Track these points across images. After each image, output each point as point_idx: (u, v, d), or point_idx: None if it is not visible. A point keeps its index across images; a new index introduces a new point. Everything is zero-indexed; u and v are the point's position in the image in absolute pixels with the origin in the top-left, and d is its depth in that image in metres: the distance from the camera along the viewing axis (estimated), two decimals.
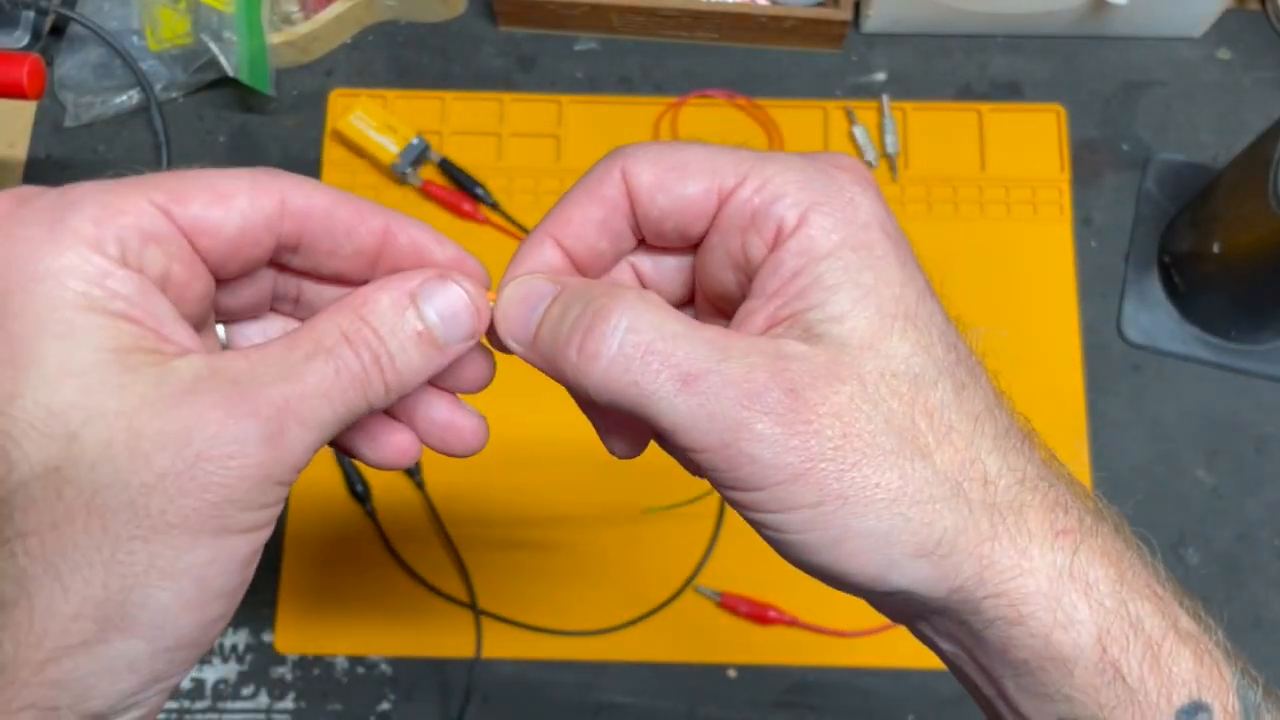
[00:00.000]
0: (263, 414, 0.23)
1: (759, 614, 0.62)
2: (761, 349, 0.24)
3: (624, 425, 0.30)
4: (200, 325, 0.26)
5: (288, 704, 0.62)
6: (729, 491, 0.25)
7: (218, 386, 0.23)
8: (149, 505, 0.22)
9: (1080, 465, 0.65)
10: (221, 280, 0.27)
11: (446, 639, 0.62)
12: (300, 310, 0.30)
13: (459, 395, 0.31)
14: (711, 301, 0.29)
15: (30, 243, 0.23)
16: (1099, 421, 0.66)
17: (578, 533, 0.64)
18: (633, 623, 0.62)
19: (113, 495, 0.22)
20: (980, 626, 0.25)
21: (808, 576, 0.28)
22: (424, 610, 0.63)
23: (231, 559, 0.24)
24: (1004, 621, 0.25)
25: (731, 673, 0.62)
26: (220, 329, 0.29)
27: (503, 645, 0.62)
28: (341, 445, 0.29)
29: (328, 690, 0.62)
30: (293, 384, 0.24)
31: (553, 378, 0.27)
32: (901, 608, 0.27)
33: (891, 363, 0.25)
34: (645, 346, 0.24)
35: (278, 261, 0.27)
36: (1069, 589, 0.25)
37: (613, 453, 0.30)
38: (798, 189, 0.25)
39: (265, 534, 0.25)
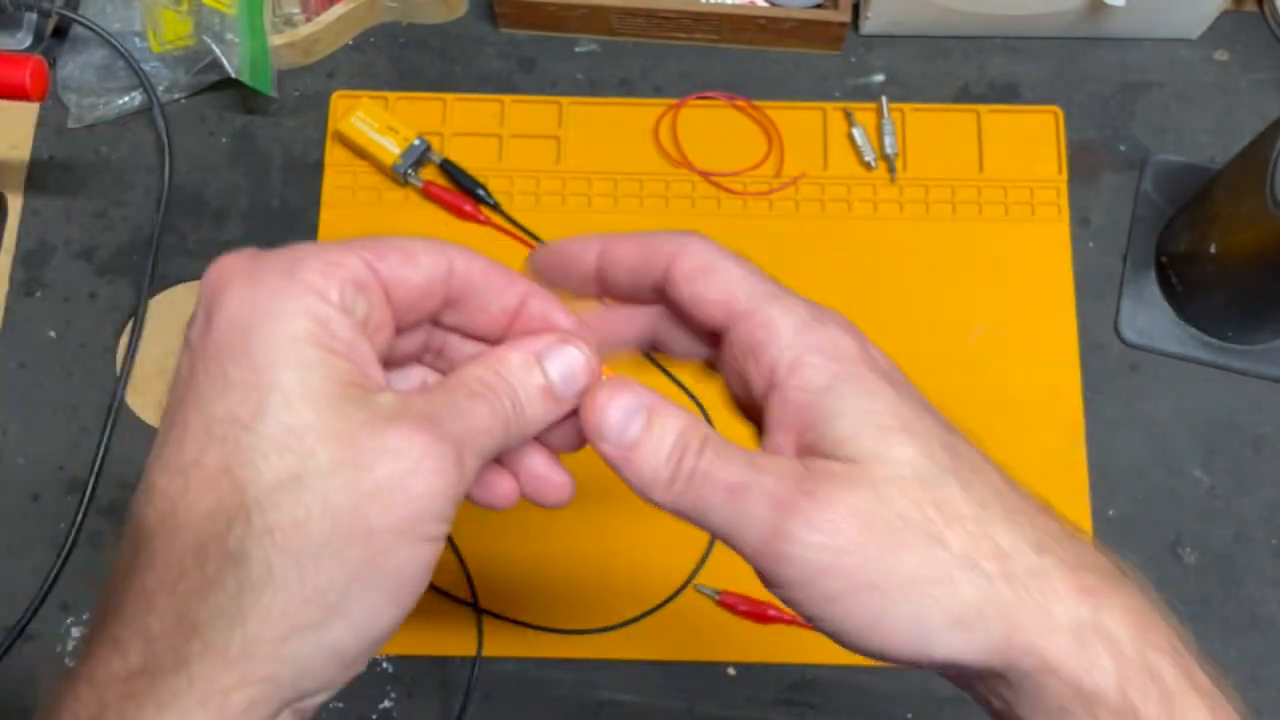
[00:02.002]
0: (450, 441, 0.28)
1: (758, 612, 0.62)
2: (790, 466, 0.29)
3: None
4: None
5: None
6: (778, 590, 0.29)
7: (414, 418, 0.28)
8: (369, 510, 0.27)
9: (1077, 465, 0.65)
10: (400, 330, 0.31)
11: (448, 637, 0.63)
12: (440, 362, 0.34)
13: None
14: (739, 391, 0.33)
15: (270, 288, 0.27)
16: (1096, 421, 0.66)
17: (579, 532, 0.64)
18: (633, 621, 0.63)
19: (342, 500, 0.26)
20: (1018, 679, 0.29)
21: None
22: (425, 609, 0.62)
23: (421, 563, 0.28)
24: (1037, 672, 0.28)
25: (731, 671, 0.62)
26: None
27: (504, 644, 0.62)
28: None
29: None
30: (466, 420, 0.29)
31: (629, 484, 0.31)
32: (954, 675, 0.30)
33: (897, 468, 0.28)
34: (706, 471, 0.29)
35: (439, 319, 0.32)
36: (1092, 640, 0.28)
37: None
38: (794, 333, 0.30)
39: (441, 547, 0.29)
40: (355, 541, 0.26)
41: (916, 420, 0.30)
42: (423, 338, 0.33)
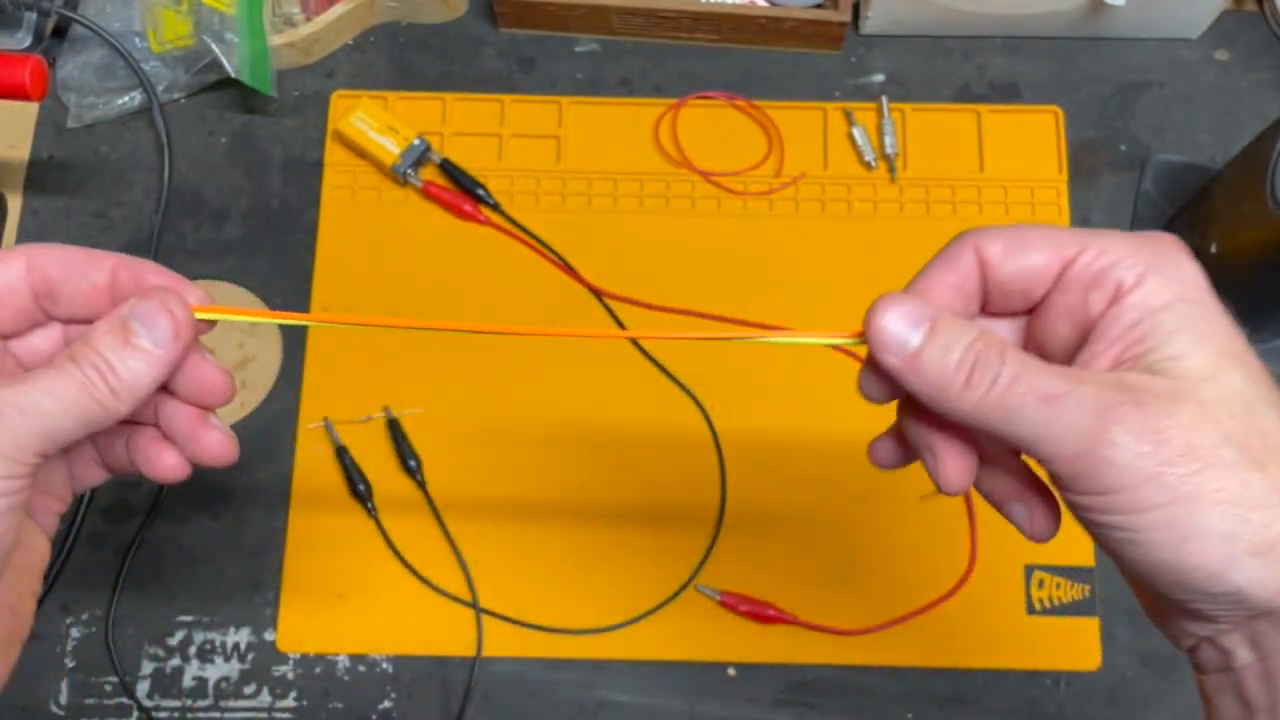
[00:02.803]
0: None
1: (759, 612, 0.62)
2: (1109, 378, 0.29)
3: (957, 444, 0.33)
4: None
5: (289, 702, 0.62)
6: (1083, 497, 0.29)
7: None
8: None
9: None
10: (8, 332, 0.35)
11: (447, 637, 0.62)
12: None
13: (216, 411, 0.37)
14: (1043, 355, 0.33)
15: None
16: None
17: (579, 531, 0.64)
18: (633, 621, 0.63)
19: None
20: None
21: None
22: (425, 609, 0.63)
23: None
24: None
25: (731, 671, 0.62)
26: None
27: (503, 644, 0.62)
28: (122, 468, 0.37)
29: (329, 689, 0.62)
30: (18, 386, 0.31)
31: (921, 394, 0.30)
32: (1229, 610, 0.30)
33: (1227, 391, 0.29)
34: (1014, 376, 0.29)
35: (51, 314, 0.35)
36: None
37: (941, 482, 0.33)
38: (1133, 255, 0.30)
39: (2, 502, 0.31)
40: None
41: (1246, 353, 0.30)
42: (57, 335, 0.36)
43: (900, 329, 0.30)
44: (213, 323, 0.35)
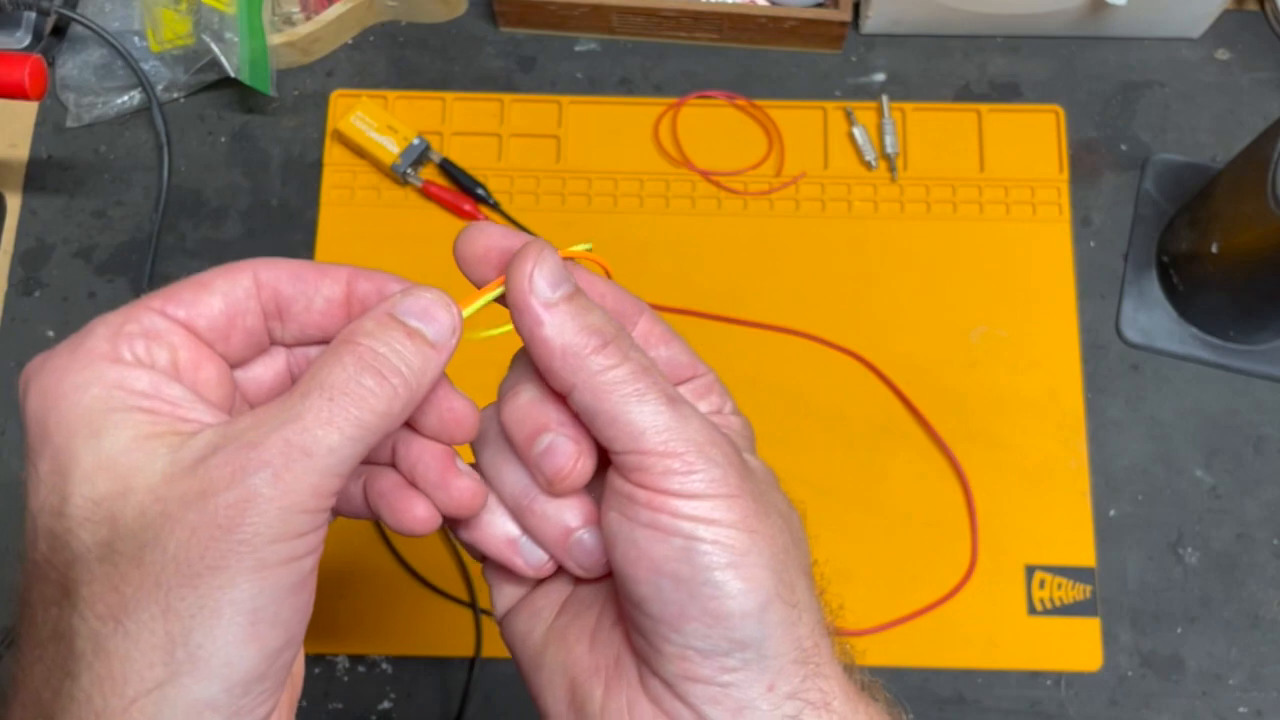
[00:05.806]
0: (266, 460, 0.26)
1: None
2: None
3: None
4: (230, 405, 0.31)
5: None
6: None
7: (227, 448, 0.27)
8: (188, 557, 0.26)
9: (1079, 465, 0.65)
10: (237, 362, 0.31)
11: (447, 638, 0.62)
12: None
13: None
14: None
15: (57, 370, 0.28)
16: (1098, 421, 0.66)
17: None
18: None
19: (156, 554, 0.26)
20: None
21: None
22: (424, 609, 0.63)
23: (275, 589, 0.27)
24: None
25: None
26: None
27: (502, 644, 0.62)
28: (354, 511, 0.33)
29: (329, 689, 0.62)
30: (292, 424, 0.27)
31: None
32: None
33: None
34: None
35: (276, 337, 0.32)
36: None
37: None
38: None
39: (307, 562, 0.27)
40: (183, 589, 0.26)
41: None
42: (280, 364, 0.33)
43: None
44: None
